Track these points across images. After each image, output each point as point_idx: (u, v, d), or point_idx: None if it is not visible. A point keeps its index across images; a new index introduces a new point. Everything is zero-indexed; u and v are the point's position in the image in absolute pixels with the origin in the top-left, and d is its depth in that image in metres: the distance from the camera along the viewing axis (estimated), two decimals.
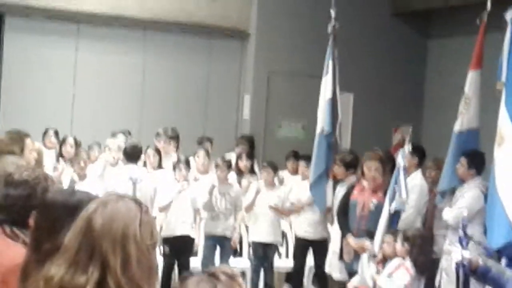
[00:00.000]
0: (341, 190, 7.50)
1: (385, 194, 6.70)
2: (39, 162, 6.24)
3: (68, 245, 2.06)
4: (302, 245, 8.33)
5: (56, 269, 2.06)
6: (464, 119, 7.18)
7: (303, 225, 8.30)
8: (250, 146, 9.85)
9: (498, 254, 6.13)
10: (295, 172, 9.13)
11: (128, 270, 2.00)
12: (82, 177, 7.62)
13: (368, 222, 6.90)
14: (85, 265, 2.02)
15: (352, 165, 7.54)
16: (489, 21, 7.14)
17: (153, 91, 10.94)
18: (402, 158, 6.52)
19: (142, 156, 8.39)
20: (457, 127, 7.23)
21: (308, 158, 8.50)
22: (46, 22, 10.33)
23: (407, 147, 6.68)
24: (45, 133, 9.00)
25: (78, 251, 2.03)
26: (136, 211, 2.06)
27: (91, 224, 2.03)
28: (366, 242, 6.77)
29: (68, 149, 8.42)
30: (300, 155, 9.05)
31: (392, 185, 6.55)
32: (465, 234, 4.30)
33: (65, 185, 7.34)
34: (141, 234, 2.02)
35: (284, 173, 9.28)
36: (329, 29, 8.26)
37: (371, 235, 6.69)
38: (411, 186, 7.29)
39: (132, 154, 7.81)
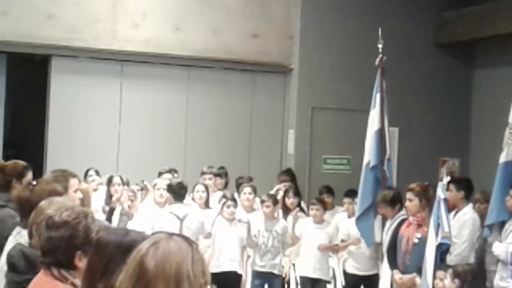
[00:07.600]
0: (391, 226, 7.40)
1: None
2: (86, 202, 6.25)
3: None
4: (352, 281, 8.23)
5: None
6: (510, 149, 7.05)
7: (353, 261, 8.20)
8: (294, 182, 9.64)
9: None
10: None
11: None
12: (129, 216, 7.59)
13: (412, 257, 6.81)
14: None
15: (396, 200, 7.45)
16: None
17: (197, 128, 10.97)
18: (441, 191, 6.46)
19: (189, 194, 8.30)
20: (503, 158, 7.09)
21: (352, 193, 8.41)
22: (91, 62, 10.47)
23: (445, 180, 6.61)
24: (86, 173, 8.89)
25: None
26: (187, 249, 2.02)
27: (144, 267, 1.98)
28: (416, 278, 6.67)
29: (116, 189, 8.29)
30: (347, 191, 8.85)
31: (434, 219, 6.46)
32: None
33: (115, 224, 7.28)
34: (193, 272, 1.98)
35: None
36: (377, 61, 8.23)
37: (420, 270, 6.59)
38: (464, 221, 7.18)
39: (179, 193, 7.80)
